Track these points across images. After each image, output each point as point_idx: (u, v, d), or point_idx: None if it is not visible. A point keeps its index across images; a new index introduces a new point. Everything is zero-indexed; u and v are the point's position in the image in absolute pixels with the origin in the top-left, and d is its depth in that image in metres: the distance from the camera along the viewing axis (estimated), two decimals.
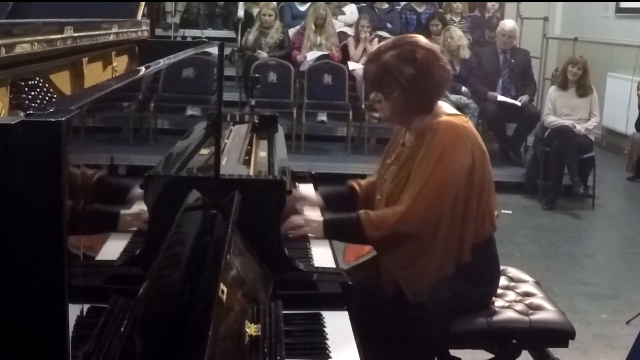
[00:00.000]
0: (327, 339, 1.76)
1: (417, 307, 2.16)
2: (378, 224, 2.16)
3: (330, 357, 1.69)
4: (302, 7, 8.19)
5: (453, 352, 2.36)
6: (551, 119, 6.27)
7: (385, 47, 2.21)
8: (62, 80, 1.74)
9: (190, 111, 3.25)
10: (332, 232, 2.29)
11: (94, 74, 1.94)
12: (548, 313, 2.32)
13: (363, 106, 7.00)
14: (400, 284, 2.16)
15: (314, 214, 2.43)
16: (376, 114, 7.25)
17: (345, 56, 7.56)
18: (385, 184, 2.28)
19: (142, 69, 1.42)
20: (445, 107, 2.26)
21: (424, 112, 2.20)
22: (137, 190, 1.27)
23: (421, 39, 2.23)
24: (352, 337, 1.79)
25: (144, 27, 2.47)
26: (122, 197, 1.22)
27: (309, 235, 2.32)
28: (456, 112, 2.28)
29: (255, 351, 1.46)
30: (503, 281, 2.50)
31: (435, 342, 2.25)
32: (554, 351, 2.36)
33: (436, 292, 2.17)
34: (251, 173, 2.42)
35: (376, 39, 7.61)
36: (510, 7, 9.18)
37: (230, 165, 2.42)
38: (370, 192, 2.46)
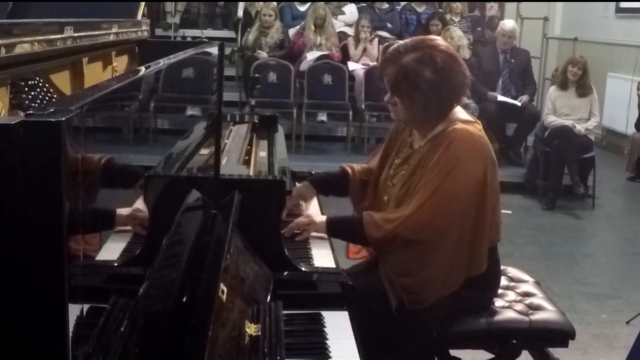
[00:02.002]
0: (327, 339, 1.76)
1: (417, 309, 2.16)
2: (379, 225, 2.12)
3: (330, 357, 1.69)
4: (302, 7, 8.19)
5: (453, 352, 2.35)
6: (551, 119, 6.27)
7: (405, 49, 2.12)
8: (62, 80, 1.74)
9: (190, 111, 3.25)
10: (335, 230, 2.29)
11: (94, 74, 1.94)
12: (548, 313, 2.32)
13: (363, 106, 7.01)
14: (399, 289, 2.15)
15: (316, 212, 2.43)
16: (374, 115, 7.29)
17: (345, 56, 7.56)
18: (395, 188, 2.23)
19: (142, 69, 1.42)
20: (458, 111, 2.19)
21: (440, 118, 2.15)
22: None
23: (441, 42, 2.15)
24: (352, 337, 1.79)
25: (144, 27, 2.47)
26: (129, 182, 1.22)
27: (313, 233, 2.32)
28: (469, 118, 2.21)
29: (255, 351, 1.46)
30: (503, 281, 2.49)
31: (436, 342, 2.25)
32: (554, 351, 2.36)
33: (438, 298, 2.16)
34: (251, 173, 2.42)
35: (376, 39, 7.62)
36: (510, 7, 9.18)
37: (230, 165, 2.42)
38: (363, 178, 2.44)
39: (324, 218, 2.31)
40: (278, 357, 1.46)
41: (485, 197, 2.11)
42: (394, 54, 2.14)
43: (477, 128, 2.16)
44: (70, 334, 0.79)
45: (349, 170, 2.48)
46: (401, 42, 2.23)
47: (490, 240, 2.19)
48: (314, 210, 2.54)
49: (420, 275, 2.11)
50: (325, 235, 2.33)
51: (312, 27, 7.50)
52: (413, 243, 2.09)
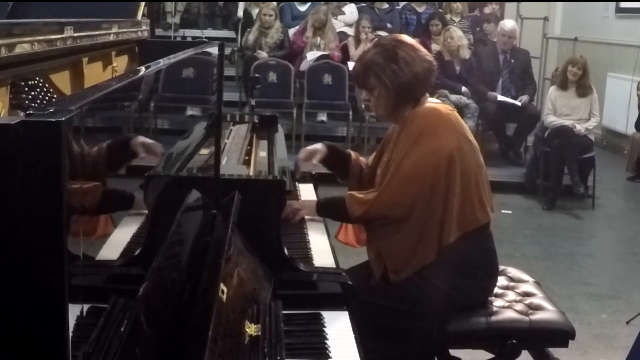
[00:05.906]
0: (327, 339, 1.76)
1: (416, 302, 2.17)
2: (357, 205, 2.25)
3: (330, 357, 1.69)
4: (302, 7, 8.19)
5: (453, 352, 2.36)
6: (551, 119, 6.27)
7: (370, 47, 2.32)
8: (62, 80, 1.74)
9: (190, 111, 3.26)
10: (323, 210, 2.43)
11: (94, 74, 1.94)
12: (548, 313, 2.32)
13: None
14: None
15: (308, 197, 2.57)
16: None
17: (345, 56, 7.55)
18: (379, 179, 2.34)
19: (142, 69, 1.42)
20: (432, 100, 2.32)
21: (410, 105, 2.24)
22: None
23: (402, 36, 2.34)
24: (352, 337, 1.79)
25: (144, 27, 2.46)
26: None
27: (306, 216, 2.45)
28: (440, 102, 2.37)
29: (255, 351, 1.46)
30: (503, 281, 2.50)
31: (435, 341, 2.25)
32: (554, 351, 2.36)
33: (433, 285, 2.17)
34: (251, 173, 2.42)
35: (376, 40, 7.61)
36: (510, 7, 9.18)
37: (230, 165, 2.42)
38: (362, 168, 2.56)
39: (314, 200, 2.51)
40: (278, 357, 1.46)
41: (455, 169, 2.16)
42: (362, 53, 2.35)
43: (448, 108, 2.28)
44: (70, 334, 0.79)
45: (353, 156, 2.61)
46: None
47: (477, 220, 2.23)
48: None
49: (397, 242, 2.19)
50: (325, 234, 2.37)
51: (312, 30, 7.50)
52: (384, 218, 2.21)
